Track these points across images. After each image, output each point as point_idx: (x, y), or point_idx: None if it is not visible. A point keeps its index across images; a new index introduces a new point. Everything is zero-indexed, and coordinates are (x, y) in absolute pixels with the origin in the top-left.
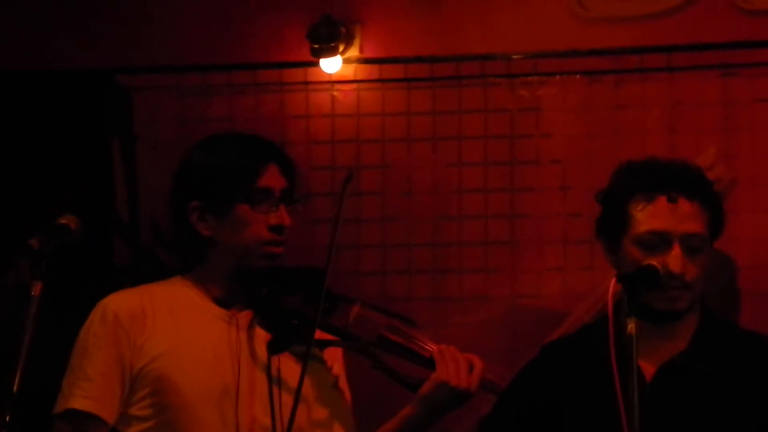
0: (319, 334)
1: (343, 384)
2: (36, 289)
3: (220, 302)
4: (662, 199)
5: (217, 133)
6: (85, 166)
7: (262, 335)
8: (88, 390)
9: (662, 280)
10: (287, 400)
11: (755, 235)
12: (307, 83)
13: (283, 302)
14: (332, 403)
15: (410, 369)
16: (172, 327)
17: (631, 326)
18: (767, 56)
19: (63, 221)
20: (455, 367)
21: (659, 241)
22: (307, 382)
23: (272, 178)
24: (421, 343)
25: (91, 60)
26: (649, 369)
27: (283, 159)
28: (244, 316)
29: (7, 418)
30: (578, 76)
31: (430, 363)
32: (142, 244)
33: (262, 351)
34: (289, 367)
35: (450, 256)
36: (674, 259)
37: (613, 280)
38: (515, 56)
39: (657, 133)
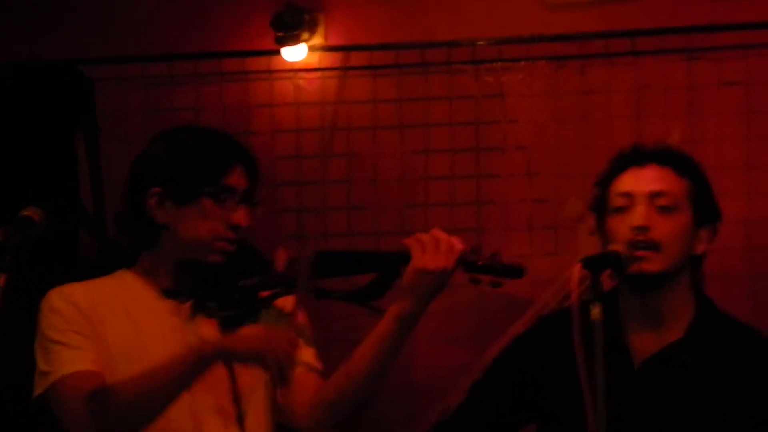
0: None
1: (301, 318)
2: (1, 281)
3: (168, 293)
4: (632, 169)
5: (186, 125)
6: (49, 159)
7: (210, 320)
8: (77, 356)
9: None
10: (247, 376)
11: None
12: (271, 72)
13: (221, 285)
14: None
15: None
16: (124, 322)
17: (595, 312)
18: (732, 39)
19: (27, 213)
20: (428, 250)
21: (626, 203)
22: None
23: (238, 178)
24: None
25: (54, 51)
26: (639, 358)
27: (249, 161)
28: (190, 306)
29: None
30: (543, 62)
31: (401, 257)
32: (108, 235)
33: (213, 335)
34: None
35: None
36: (634, 213)
37: (578, 266)
38: (480, 42)
39: (623, 117)
